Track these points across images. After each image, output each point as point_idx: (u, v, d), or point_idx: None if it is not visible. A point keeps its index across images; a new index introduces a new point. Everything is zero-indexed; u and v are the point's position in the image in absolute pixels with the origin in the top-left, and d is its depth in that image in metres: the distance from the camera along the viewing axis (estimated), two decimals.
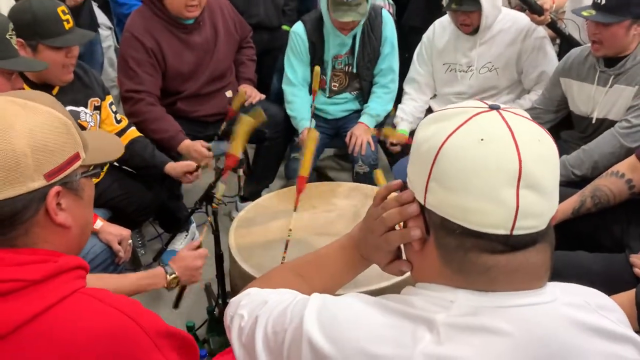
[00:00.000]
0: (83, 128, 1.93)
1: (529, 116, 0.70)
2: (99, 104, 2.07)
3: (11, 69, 1.43)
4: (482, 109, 0.69)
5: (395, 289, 1.38)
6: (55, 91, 1.90)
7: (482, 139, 0.65)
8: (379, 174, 1.94)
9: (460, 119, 0.68)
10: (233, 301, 0.87)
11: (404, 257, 0.81)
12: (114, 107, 2.15)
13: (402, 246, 0.80)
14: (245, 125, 1.71)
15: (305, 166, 1.69)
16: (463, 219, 0.66)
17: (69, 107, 1.94)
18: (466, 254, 0.67)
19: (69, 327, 0.73)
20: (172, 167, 2.17)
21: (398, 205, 0.77)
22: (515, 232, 0.65)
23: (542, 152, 0.66)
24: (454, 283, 0.69)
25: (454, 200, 0.66)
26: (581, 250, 1.62)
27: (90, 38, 2.04)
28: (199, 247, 1.61)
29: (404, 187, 0.78)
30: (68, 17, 1.83)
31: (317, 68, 2.15)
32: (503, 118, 0.67)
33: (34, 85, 1.84)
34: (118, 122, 2.16)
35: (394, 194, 0.81)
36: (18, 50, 1.73)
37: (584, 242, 1.67)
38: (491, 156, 0.64)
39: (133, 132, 2.20)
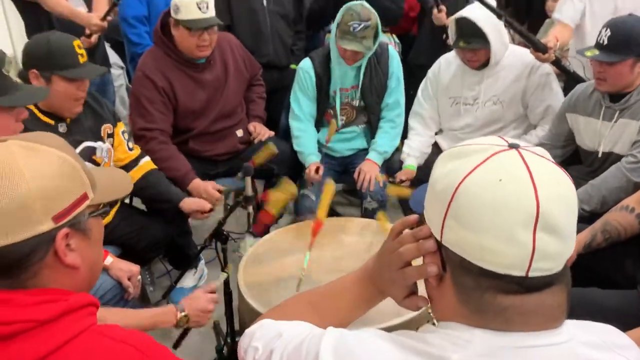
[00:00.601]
0: (97, 164, 1.96)
1: (549, 156, 0.69)
2: (111, 131, 2.11)
3: (12, 105, 1.44)
4: (502, 147, 0.68)
5: (406, 326, 1.37)
6: (68, 121, 1.94)
7: (500, 179, 0.65)
8: (381, 217, 1.96)
9: (479, 157, 0.68)
10: (247, 333, 0.87)
11: (419, 291, 0.81)
12: (126, 135, 2.18)
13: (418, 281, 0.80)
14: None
15: (321, 212, 1.76)
16: (479, 259, 0.66)
17: (86, 143, 1.99)
18: (483, 294, 0.67)
19: None
20: (187, 204, 2.19)
21: (415, 241, 0.77)
22: (531, 274, 0.65)
23: (560, 194, 0.65)
24: (471, 322, 0.68)
25: (471, 239, 0.66)
26: (593, 286, 1.60)
27: (102, 73, 2.10)
28: (213, 291, 1.60)
29: (420, 220, 0.79)
30: (82, 51, 1.88)
31: (334, 121, 2.20)
32: (522, 158, 0.66)
33: (47, 115, 1.88)
34: (131, 149, 2.19)
35: (408, 230, 0.81)
36: (31, 81, 1.79)
37: (596, 279, 1.65)
38: (509, 197, 0.64)
39: (148, 164, 2.23)
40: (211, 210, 2.18)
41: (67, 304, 0.77)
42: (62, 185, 0.79)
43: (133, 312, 1.50)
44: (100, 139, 2.05)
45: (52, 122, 1.89)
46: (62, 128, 1.92)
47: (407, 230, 0.82)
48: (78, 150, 1.96)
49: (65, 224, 0.79)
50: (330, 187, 1.83)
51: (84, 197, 0.83)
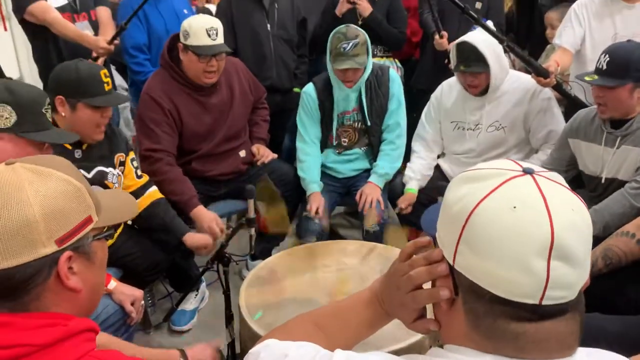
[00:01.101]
0: (107, 189, 1.99)
1: (563, 181, 0.69)
2: (123, 159, 2.14)
3: (44, 141, 1.53)
4: (516, 172, 0.68)
5: (408, 351, 1.36)
6: (84, 147, 1.98)
7: (514, 207, 0.64)
8: (390, 232, 1.94)
9: (493, 182, 0.67)
10: (252, 352, 0.85)
11: (428, 314, 0.80)
12: (135, 163, 2.21)
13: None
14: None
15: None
16: (492, 286, 0.65)
17: (99, 168, 2.02)
18: (495, 320, 0.66)
19: None
20: (191, 239, 2.20)
21: (426, 264, 0.76)
22: (544, 302, 0.64)
23: (575, 222, 0.65)
24: (482, 348, 0.68)
25: (484, 265, 0.65)
26: (596, 312, 1.59)
27: (125, 101, 2.17)
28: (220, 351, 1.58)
29: (433, 242, 0.78)
30: (108, 80, 1.94)
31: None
32: (537, 184, 0.66)
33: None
34: (139, 177, 2.21)
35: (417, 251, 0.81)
36: (56, 107, 1.85)
37: (598, 304, 1.64)
38: (523, 225, 0.63)
39: (155, 194, 2.24)
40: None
41: (66, 329, 0.77)
42: (66, 208, 0.80)
43: (137, 349, 1.49)
44: (112, 165, 2.08)
45: (69, 147, 1.94)
46: (77, 154, 1.96)
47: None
48: (91, 174, 2.00)
49: (68, 247, 0.80)
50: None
51: (88, 220, 0.84)
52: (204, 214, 2.33)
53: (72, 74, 1.87)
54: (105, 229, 0.89)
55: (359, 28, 2.51)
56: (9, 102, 1.47)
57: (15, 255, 0.75)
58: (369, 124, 2.67)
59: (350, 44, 2.44)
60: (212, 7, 3.86)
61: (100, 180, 2.02)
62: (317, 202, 2.54)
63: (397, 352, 1.34)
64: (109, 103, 1.95)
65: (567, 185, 0.69)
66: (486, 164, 0.72)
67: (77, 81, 1.86)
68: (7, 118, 1.46)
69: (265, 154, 2.71)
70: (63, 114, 1.88)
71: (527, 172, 0.68)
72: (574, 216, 0.65)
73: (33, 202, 0.77)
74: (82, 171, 1.91)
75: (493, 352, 0.67)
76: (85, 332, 0.80)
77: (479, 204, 0.66)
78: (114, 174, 2.07)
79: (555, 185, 0.67)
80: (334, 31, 2.51)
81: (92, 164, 2.00)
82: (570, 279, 0.65)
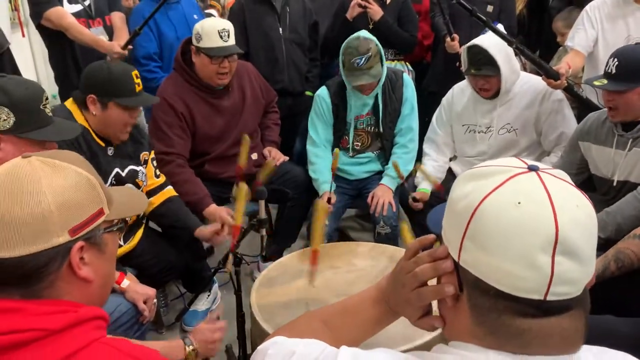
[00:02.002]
0: (138, 187, 2.05)
1: (568, 178, 0.69)
2: (147, 158, 2.18)
3: (44, 140, 1.52)
4: (521, 169, 0.68)
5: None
6: (115, 145, 2.02)
7: (519, 202, 0.64)
8: (405, 229, 1.94)
9: (498, 179, 0.68)
10: (260, 349, 0.86)
11: (434, 312, 0.81)
12: (155, 162, 2.24)
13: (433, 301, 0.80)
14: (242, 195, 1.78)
15: (316, 239, 1.71)
16: (496, 281, 0.65)
17: (131, 166, 2.06)
18: (499, 316, 0.66)
19: None
20: (201, 231, 2.22)
21: (431, 261, 0.77)
22: (549, 298, 0.64)
23: (579, 218, 0.65)
24: (486, 343, 0.68)
25: (488, 261, 0.66)
26: (608, 314, 1.58)
27: (155, 102, 2.20)
28: (218, 318, 1.61)
29: (437, 239, 0.79)
30: (139, 81, 1.97)
31: (337, 150, 2.22)
32: (541, 180, 0.66)
33: (100, 138, 1.96)
34: (157, 177, 2.24)
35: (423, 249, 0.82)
36: (88, 105, 1.88)
37: (611, 307, 1.63)
38: (527, 221, 0.64)
39: (170, 191, 2.27)
40: (223, 225, 2.20)
41: (76, 315, 0.79)
42: (79, 199, 0.83)
43: (142, 343, 1.51)
44: (140, 164, 2.12)
45: (103, 144, 1.97)
46: (110, 151, 2.00)
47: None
48: (124, 172, 2.03)
49: (80, 237, 0.83)
50: (322, 206, 1.79)
51: (100, 212, 0.87)
52: (216, 210, 2.36)
53: (104, 73, 1.90)
54: (116, 222, 0.91)
55: (369, 38, 2.49)
56: (5, 103, 1.44)
57: (30, 244, 0.78)
58: (382, 129, 2.68)
59: (363, 58, 2.44)
60: (214, 12, 3.90)
61: (132, 179, 2.06)
62: (328, 194, 2.54)
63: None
64: (139, 103, 1.99)
65: (571, 182, 0.69)
66: (491, 162, 0.73)
67: (109, 81, 1.89)
68: (5, 120, 1.43)
69: (277, 156, 2.74)
70: (94, 112, 1.91)
71: (532, 169, 0.68)
72: (578, 212, 0.65)
73: (48, 193, 0.80)
74: (117, 169, 1.97)
75: (497, 348, 0.67)
76: (95, 319, 0.82)
77: (483, 199, 0.67)
78: (143, 173, 2.12)
79: (560, 182, 0.67)
80: (345, 44, 2.50)
81: (125, 161, 2.04)
82: (575, 275, 0.65)
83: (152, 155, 2.22)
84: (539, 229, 0.63)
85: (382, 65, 2.53)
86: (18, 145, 1.46)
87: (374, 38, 2.51)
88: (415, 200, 2.57)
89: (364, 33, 2.53)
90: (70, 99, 1.97)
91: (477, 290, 0.68)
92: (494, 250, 0.65)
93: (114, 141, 2.00)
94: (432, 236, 0.82)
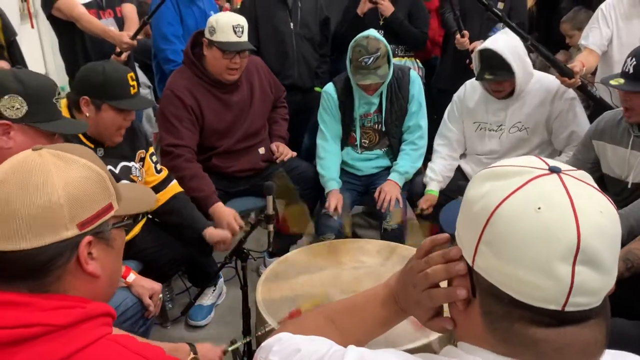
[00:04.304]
0: (133, 182, 2.02)
1: (591, 181, 0.65)
2: (144, 156, 2.16)
3: (55, 132, 1.52)
4: (542, 171, 0.64)
5: (424, 350, 1.35)
6: (105, 145, 2.00)
7: (539, 207, 0.61)
8: (396, 212, 1.90)
9: (517, 180, 0.64)
10: (264, 346, 0.84)
11: (444, 312, 0.79)
12: (154, 158, 2.22)
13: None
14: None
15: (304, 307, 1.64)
16: (512, 289, 0.62)
17: (123, 163, 2.04)
18: (513, 324, 0.63)
19: None
20: (210, 234, 2.20)
21: (444, 262, 0.74)
22: (567, 309, 0.61)
23: (603, 226, 0.61)
24: (497, 350, 0.65)
25: (505, 268, 0.62)
26: (619, 317, 1.56)
27: (149, 106, 2.17)
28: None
29: (451, 239, 0.76)
30: (134, 83, 1.94)
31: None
32: (563, 183, 0.62)
33: (88, 139, 1.94)
34: (158, 172, 2.22)
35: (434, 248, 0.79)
36: (81, 107, 1.85)
37: (621, 310, 1.61)
38: (548, 227, 0.60)
39: (175, 187, 2.25)
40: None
41: (84, 311, 0.79)
42: (89, 193, 0.83)
43: (147, 341, 1.50)
44: (133, 161, 2.10)
45: (92, 146, 1.95)
46: (99, 152, 1.97)
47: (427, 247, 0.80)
48: (117, 169, 2.02)
49: (89, 231, 0.82)
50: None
51: (109, 207, 0.86)
52: (223, 210, 2.34)
53: (99, 75, 1.87)
54: (125, 218, 0.91)
55: (379, 38, 2.47)
56: (19, 92, 1.44)
57: (39, 237, 0.78)
58: (383, 129, 2.66)
59: (372, 58, 2.42)
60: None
61: (126, 175, 2.04)
62: (335, 200, 2.54)
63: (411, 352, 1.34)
64: (133, 106, 1.95)
65: (595, 186, 0.65)
66: (510, 161, 0.69)
67: (103, 83, 1.86)
68: (18, 109, 1.43)
69: (284, 152, 2.72)
70: (87, 114, 1.88)
71: (554, 170, 0.64)
72: (602, 219, 0.61)
73: (58, 185, 0.79)
74: (109, 167, 1.95)
75: (510, 355, 0.64)
76: (103, 316, 0.82)
77: (501, 203, 0.63)
78: (137, 168, 2.10)
79: (583, 186, 0.63)
80: (354, 42, 2.48)
81: (116, 159, 2.02)
82: (596, 285, 0.61)
83: (150, 151, 2.19)
84: (560, 237, 0.59)
85: (389, 66, 2.52)
86: (29, 135, 1.46)
87: (383, 39, 2.50)
88: (422, 210, 2.54)
89: (373, 32, 2.51)
90: (64, 100, 1.95)
91: (490, 296, 0.65)
92: (510, 257, 0.62)
93: (107, 144, 1.98)
94: (445, 235, 0.79)
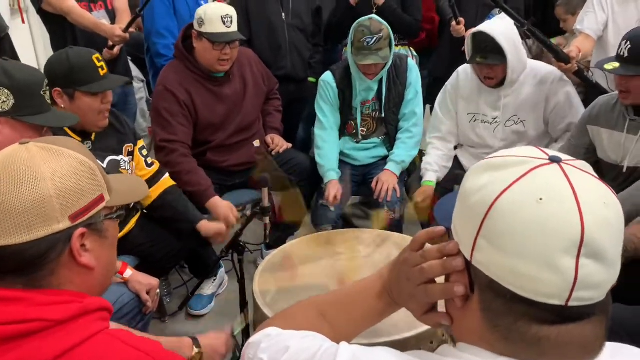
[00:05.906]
0: None
1: (592, 171, 0.63)
2: (132, 150, 2.13)
3: (43, 125, 1.49)
4: (542, 161, 0.62)
5: (418, 339, 1.34)
6: (93, 138, 1.97)
7: (540, 199, 0.58)
8: (379, 215, 1.90)
9: (517, 171, 0.61)
10: (252, 342, 0.82)
11: (440, 306, 0.76)
12: (144, 152, 2.20)
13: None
14: None
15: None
16: (513, 284, 0.60)
17: (111, 157, 2.01)
18: (515, 321, 0.61)
19: None
20: (205, 227, 2.19)
21: (441, 257, 0.71)
22: (570, 304, 0.59)
23: (607, 217, 0.59)
24: (496, 349, 0.63)
25: (505, 262, 0.60)
26: (617, 302, 1.56)
27: (124, 82, 2.13)
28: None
29: (447, 233, 0.73)
30: (102, 64, 1.90)
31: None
32: (565, 174, 0.60)
33: (74, 132, 1.91)
34: (149, 165, 2.20)
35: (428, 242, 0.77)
36: (55, 99, 1.81)
37: (619, 296, 1.60)
38: (550, 219, 0.58)
39: (167, 181, 2.23)
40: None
41: (81, 306, 0.79)
42: (79, 185, 0.82)
43: (148, 336, 1.49)
44: (121, 154, 2.08)
45: (79, 139, 1.92)
46: (87, 145, 1.94)
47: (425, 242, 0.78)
48: (104, 163, 1.99)
49: (81, 223, 0.82)
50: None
51: (101, 198, 0.86)
52: (219, 203, 2.34)
53: (63, 63, 1.83)
54: (116, 209, 0.90)
55: (382, 21, 2.47)
56: (6, 85, 1.41)
57: (30, 231, 0.77)
58: (383, 114, 2.65)
59: (374, 38, 2.41)
60: None
61: (115, 169, 2.02)
62: (335, 189, 2.54)
63: (407, 340, 1.33)
64: (105, 87, 1.89)
65: (597, 176, 0.63)
66: (509, 151, 0.66)
67: (69, 70, 1.82)
68: (4, 102, 1.41)
69: (279, 144, 2.71)
70: (62, 105, 1.84)
71: (554, 160, 0.62)
72: (605, 211, 0.59)
73: (47, 178, 0.79)
74: (97, 161, 1.93)
75: (509, 354, 0.62)
76: (100, 311, 0.82)
77: (500, 195, 0.60)
78: (126, 161, 2.07)
79: (585, 176, 0.61)
80: (357, 23, 2.48)
81: (104, 153, 1.99)
82: (600, 278, 0.59)
83: (140, 145, 2.16)
84: (563, 230, 0.57)
85: (391, 49, 2.51)
86: (16, 129, 1.43)
87: (386, 23, 2.49)
88: (417, 205, 2.50)
89: (376, 16, 2.52)
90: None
91: (490, 292, 0.62)
92: (511, 251, 0.59)
93: (93, 130, 1.94)
94: (441, 228, 0.76)
